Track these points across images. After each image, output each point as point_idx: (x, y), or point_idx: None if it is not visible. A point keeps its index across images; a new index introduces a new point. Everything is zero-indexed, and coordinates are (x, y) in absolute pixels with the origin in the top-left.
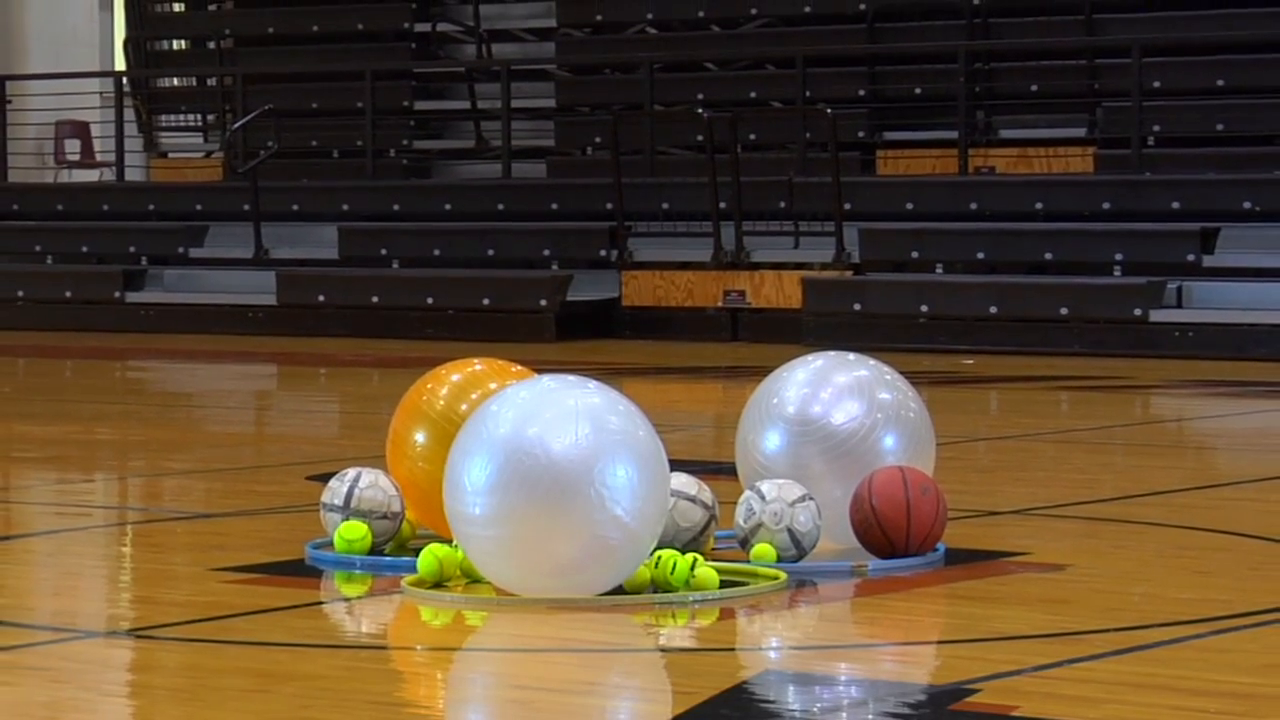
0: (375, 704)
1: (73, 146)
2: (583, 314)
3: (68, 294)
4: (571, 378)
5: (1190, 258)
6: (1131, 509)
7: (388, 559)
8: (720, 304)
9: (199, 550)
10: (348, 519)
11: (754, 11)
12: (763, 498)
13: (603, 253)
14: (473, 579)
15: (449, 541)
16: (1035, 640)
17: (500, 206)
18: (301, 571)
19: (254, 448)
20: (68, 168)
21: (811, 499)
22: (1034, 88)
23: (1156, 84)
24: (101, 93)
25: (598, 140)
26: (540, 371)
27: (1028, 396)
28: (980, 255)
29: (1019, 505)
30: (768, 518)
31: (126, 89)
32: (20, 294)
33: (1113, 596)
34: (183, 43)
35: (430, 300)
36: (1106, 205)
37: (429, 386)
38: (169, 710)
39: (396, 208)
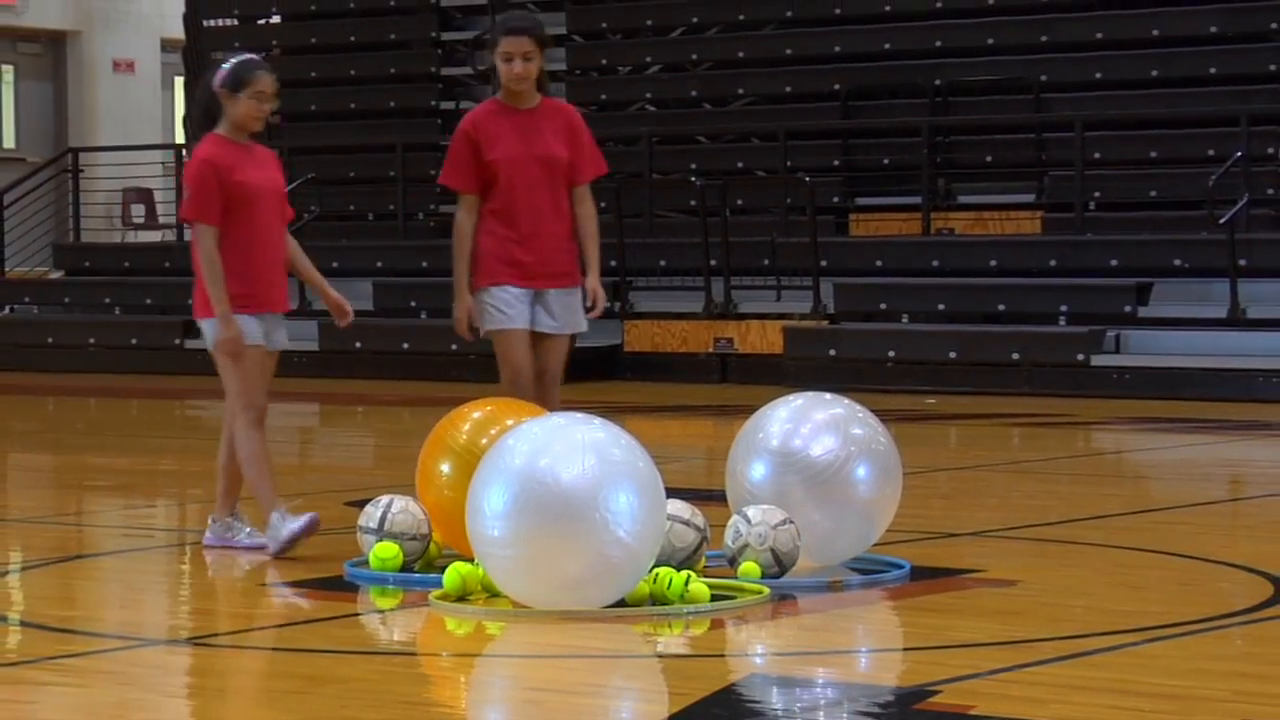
0: (406, 704)
1: (138, 210)
2: (589, 359)
3: (133, 341)
4: (579, 415)
5: (1127, 309)
6: (1075, 531)
7: (417, 575)
8: (711, 350)
9: (250, 568)
10: (382, 540)
11: (741, 91)
12: (748, 521)
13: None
14: (492, 593)
15: (471, 560)
16: (990, 647)
17: None
18: (340, 587)
19: (298, 477)
20: (133, 229)
21: (792, 522)
22: (989, 159)
23: (1097, 155)
24: (164, 163)
25: (602, 205)
26: (551, 410)
27: (983, 432)
28: (941, 307)
29: (975, 528)
30: (753, 539)
31: (186, 159)
32: (91, 341)
33: (1058, 608)
34: None
35: (454, 347)
36: (1053, 262)
37: (453, 423)
38: (223, 709)
39: (425, 264)
